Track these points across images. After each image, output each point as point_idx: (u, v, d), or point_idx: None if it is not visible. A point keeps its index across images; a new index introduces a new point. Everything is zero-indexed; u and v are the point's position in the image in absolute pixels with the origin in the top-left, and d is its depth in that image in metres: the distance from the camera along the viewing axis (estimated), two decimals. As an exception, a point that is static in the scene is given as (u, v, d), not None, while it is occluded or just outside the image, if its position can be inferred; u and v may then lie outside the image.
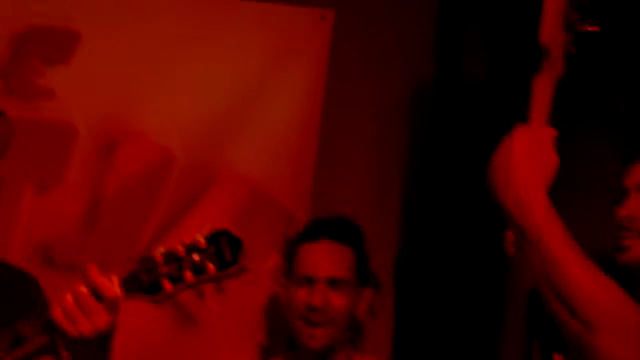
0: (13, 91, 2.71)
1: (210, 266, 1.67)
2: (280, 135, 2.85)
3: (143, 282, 1.69)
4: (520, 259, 1.43)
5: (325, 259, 2.30)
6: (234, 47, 2.84)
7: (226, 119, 2.81)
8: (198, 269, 1.68)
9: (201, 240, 1.67)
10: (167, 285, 1.66)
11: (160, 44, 2.84)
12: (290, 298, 2.31)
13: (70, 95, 2.73)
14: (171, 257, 1.68)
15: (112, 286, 1.66)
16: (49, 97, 2.69)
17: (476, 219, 2.61)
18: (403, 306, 2.89)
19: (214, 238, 1.69)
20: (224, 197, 2.72)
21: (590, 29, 1.38)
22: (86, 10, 2.79)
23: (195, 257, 1.68)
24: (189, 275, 1.66)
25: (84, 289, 1.62)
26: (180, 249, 1.69)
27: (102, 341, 1.73)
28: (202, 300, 1.84)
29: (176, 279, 1.66)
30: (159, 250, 1.68)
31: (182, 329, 2.71)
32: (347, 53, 2.92)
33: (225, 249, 1.70)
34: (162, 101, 2.80)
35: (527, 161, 1.38)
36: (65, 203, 2.73)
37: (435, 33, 3.01)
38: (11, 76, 2.76)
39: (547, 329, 1.92)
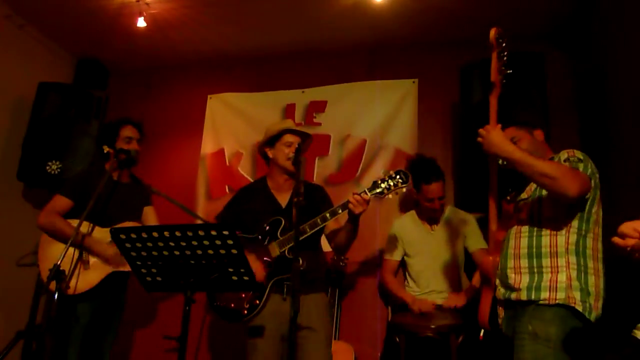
0: (304, 125, 4.14)
1: (399, 183, 2.51)
2: (402, 131, 4.00)
3: (376, 192, 2.50)
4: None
5: (437, 190, 3.19)
6: (382, 101, 4.12)
7: (381, 127, 4.06)
8: (395, 184, 2.51)
9: (392, 172, 2.52)
10: (385, 191, 2.50)
11: (360, 104, 4.17)
12: (421, 201, 3.24)
13: (327, 123, 4.20)
14: (382, 179, 2.53)
15: (367, 195, 2.45)
16: (318, 125, 4.21)
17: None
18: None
19: (397, 171, 2.53)
20: (384, 156, 3.99)
21: (509, 71, 2.25)
22: (333, 92, 4.24)
23: (392, 180, 2.51)
24: (391, 185, 2.51)
25: (357, 197, 2.43)
26: (384, 176, 2.53)
27: (357, 218, 2.54)
28: (393, 195, 2.48)
29: (388, 189, 2.51)
30: (379, 177, 2.53)
31: (374, 201, 3.24)
32: (425, 97, 4.07)
33: (402, 175, 2.51)
34: (360, 123, 4.12)
35: (500, 139, 2.14)
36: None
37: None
38: (305, 121, 4.24)
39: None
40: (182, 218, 3.45)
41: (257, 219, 2.73)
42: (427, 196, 3.22)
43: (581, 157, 2.10)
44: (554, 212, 2.11)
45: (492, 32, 2.18)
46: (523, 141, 2.28)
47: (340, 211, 2.55)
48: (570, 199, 1.98)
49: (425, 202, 3.24)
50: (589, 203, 2.10)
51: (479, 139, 2.17)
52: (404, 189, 2.50)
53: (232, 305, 2.62)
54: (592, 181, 2.07)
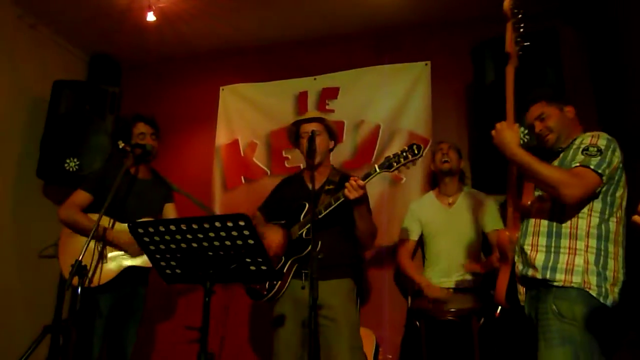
0: (321, 112, 3.90)
1: (410, 156, 2.43)
2: (416, 115, 3.95)
3: (385, 166, 2.47)
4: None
5: (450, 145, 3.33)
6: (394, 85, 4.06)
7: (394, 111, 4.01)
8: (405, 158, 2.44)
9: (405, 147, 2.46)
10: (395, 165, 2.45)
11: (373, 89, 4.09)
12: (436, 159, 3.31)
13: (340, 110, 4.14)
14: (395, 155, 2.47)
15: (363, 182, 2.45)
16: (332, 112, 4.12)
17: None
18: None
19: (410, 146, 2.45)
20: (399, 140, 3.91)
21: (524, 43, 2.21)
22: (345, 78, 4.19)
23: (404, 154, 2.44)
24: (402, 160, 2.45)
25: (352, 181, 2.44)
26: (397, 152, 2.47)
27: (355, 203, 2.53)
28: (407, 170, 2.48)
29: (397, 162, 2.45)
30: (391, 153, 2.50)
31: (391, 186, 3.88)
32: (438, 80, 4.01)
33: (415, 149, 2.43)
34: (373, 108, 4.07)
35: (510, 140, 2.14)
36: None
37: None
38: (318, 108, 4.13)
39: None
40: (202, 212, 3.44)
41: (289, 206, 2.79)
42: (439, 146, 3.33)
43: (602, 147, 2.05)
44: None
45: (506, 2, 2.18)
46: (551, 118, 2.26)
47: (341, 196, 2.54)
48: (569, 205, 2.04)
49: (438, 153, 3.30)
50: (612, 187, 2.07)
51: (493, 132, 2.18)
52: (417, 160, 2.45)
53: (258, 286, 2.78)
54: (608, 171, 2.04)
